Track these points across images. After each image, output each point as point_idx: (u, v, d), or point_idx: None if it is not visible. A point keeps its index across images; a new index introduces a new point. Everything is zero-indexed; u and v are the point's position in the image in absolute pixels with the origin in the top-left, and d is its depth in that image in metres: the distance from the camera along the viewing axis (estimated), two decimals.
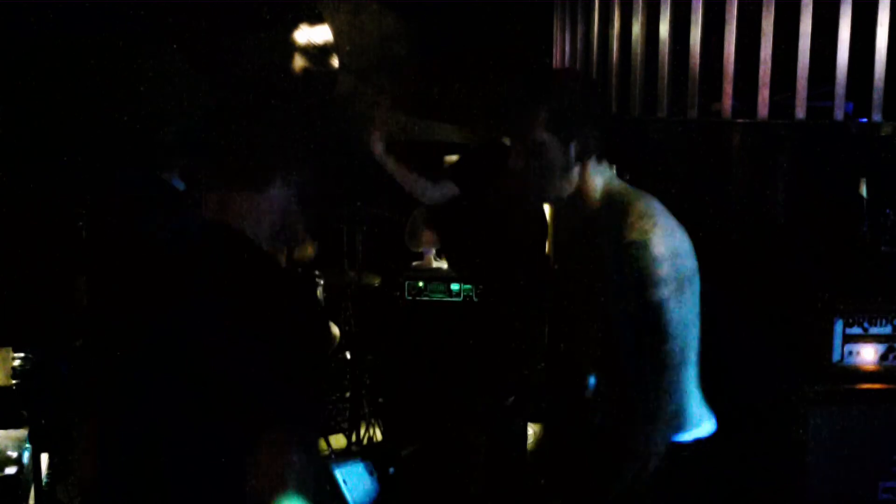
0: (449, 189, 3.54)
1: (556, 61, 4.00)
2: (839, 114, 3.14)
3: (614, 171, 2.42)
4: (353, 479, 3.92)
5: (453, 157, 4.00)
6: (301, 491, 1.46)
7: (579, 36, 3.75)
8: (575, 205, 2.36)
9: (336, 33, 4.88)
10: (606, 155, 2.36)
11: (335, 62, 4.87)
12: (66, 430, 3.56)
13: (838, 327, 3.11)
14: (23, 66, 3.81)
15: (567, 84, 2.36)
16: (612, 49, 3.53)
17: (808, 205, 3.23)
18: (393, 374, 4.64)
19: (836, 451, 3.07)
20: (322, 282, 4.45)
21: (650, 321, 2.22)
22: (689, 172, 3.39)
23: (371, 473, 3.99)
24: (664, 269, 2.22)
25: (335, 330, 4.49)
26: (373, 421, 4.67)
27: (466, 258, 4.03)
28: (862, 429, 3.07)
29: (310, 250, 4.27)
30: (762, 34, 3.14)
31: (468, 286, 4.51)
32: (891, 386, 3.09)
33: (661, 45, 3.34)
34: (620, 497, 2.36)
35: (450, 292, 4.53)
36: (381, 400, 4.73)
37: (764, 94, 3.17)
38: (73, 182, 3.76)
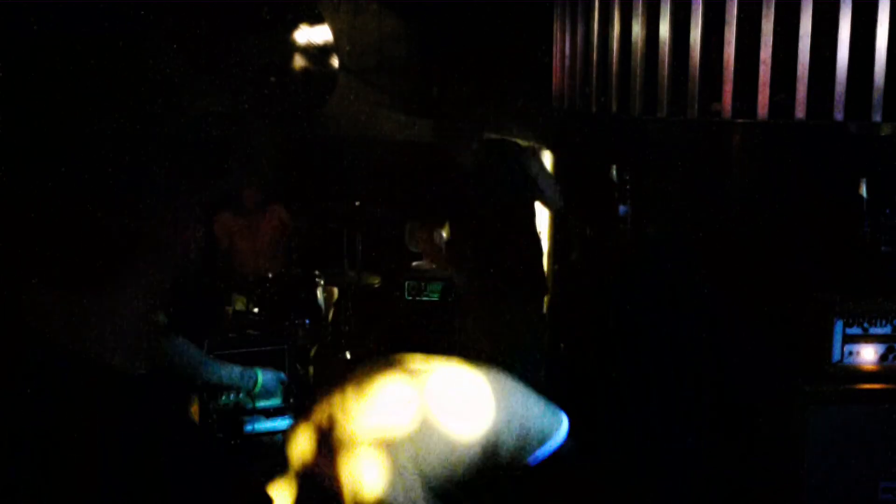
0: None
1: (556, 61, 4.00)
2: (839, 114, 3.14)
3: None
4: None
5: None
6: None
7: (579, 36, 3.75)
8: None
9: (336, 33, 4.88)
10: None
11: (335, 62, 4.87)
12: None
13: (838, 327, 3.11)
14: (23, 66, 3.80)
15: None
16: (612, 49, 3.53)
17: (808, 205, 3.23)
18: None
19: (835, 451, 3.07)
20: (322, 282, 4.46)
21: None
22: (689, 172, 3.39)
23: None
24: None
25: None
26: None
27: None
28: (862, 429, 3.07)
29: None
30: (762, 34, 3.14)
31: None
32: (891, 386, 3.09)
33: (661, 45, 3.34)
34: None
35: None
36: None
37: (764, 94, 3.17)
38: (73, 182, 3.75)
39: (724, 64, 3.21)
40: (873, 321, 3.11)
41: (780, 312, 3.21)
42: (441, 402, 2.17)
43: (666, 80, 3.34)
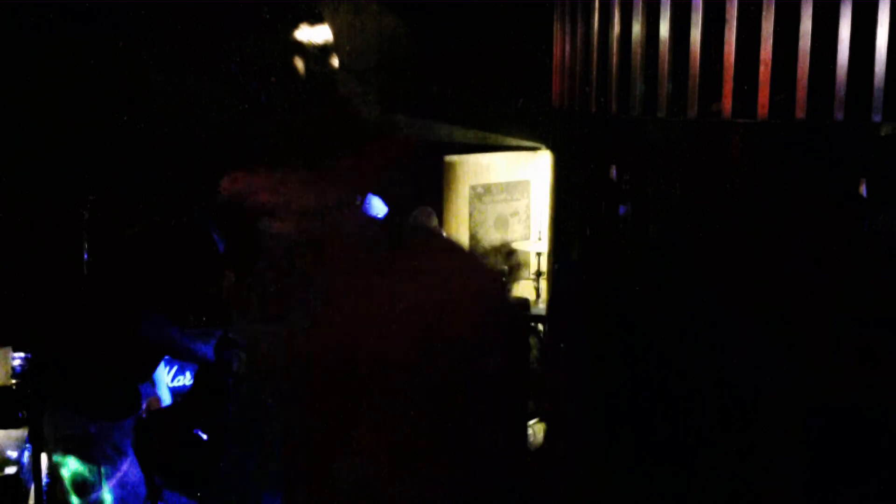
0: None
1: (556, 61, 4.00)
2: (839, 114, 3.14)
3: None
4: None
5: None
6: None
7: (579, 36, 3.75)
8: None
9: (336, 33, 4.88)
10: None
11: (335, 62, 4.87)
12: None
13: (838, 327, 3.11)
14: (23, 66, 3.81)
15: None
16: (612, 49, 3.53)
17: (808, 205, 3.23)
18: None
19: (835, 451, 3.07)
20: None
21: None
22: (689, 172, 3.39)
23: None
24: None
25: None
26: None
27: None
28: (861, 427, 3.07)
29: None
30: (762, 35, 3.14)
31: None
32: (890, 385, 3.09)
33: (661, 45, 3.34)
34: None
35: None
36: None
37: (764, 94, 3.17)
38: (73, 182, 3.76)
39: (724, 64, 3.21)
40: (872, 321, 3.11)
41: (780, 312, 3.21)
42: None
43: (666, 80, 3.34)
